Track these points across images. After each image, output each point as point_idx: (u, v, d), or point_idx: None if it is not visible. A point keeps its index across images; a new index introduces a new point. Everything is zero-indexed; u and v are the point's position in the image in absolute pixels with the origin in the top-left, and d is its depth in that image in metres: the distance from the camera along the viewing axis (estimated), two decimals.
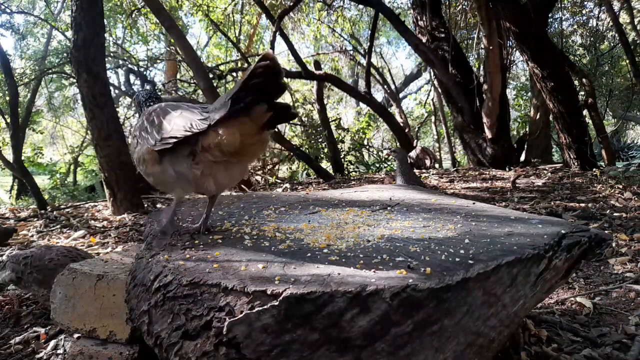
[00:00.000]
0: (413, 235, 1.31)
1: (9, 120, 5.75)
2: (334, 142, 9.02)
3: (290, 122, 11.03)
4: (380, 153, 11.27)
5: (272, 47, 8.40)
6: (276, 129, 8.79)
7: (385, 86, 12.38)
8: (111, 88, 8.00)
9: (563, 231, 1.30)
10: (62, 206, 5.28)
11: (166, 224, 1.38)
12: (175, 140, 1.20)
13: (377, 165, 10.38)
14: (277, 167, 10.49)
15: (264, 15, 9.04)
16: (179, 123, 1.22)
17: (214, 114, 1.17)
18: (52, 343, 1.84)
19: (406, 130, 10.73)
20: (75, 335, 1.51)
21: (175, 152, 1.24)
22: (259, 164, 10.80)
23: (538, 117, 8.50)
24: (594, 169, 5.64)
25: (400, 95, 14.99)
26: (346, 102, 15.30)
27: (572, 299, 2.11)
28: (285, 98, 12.54)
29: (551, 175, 5.60)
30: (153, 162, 1.29)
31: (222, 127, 1.16)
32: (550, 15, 8.08)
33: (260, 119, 1.15)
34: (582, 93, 7.64)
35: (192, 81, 9.66)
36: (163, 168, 1.28)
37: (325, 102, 9.47)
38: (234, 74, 9.82)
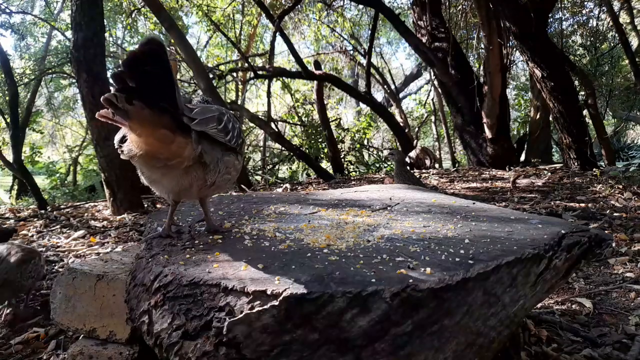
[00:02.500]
0: (413, 235, 1.31)
1: (9, 120, 5.75)
2: (334, 142, 9.02)
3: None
4: (380, 153, 11.28)
5: (272, 47, 8.42)
6: (276, 129, 8.73)
7: (385, 86, 12.39)
8: (111, 88, 8.01)
9: (563, 231, 1.30)
10: (62, 206, 5.28)
11: (164, 227, 1.41)
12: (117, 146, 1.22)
13: (377, 165, 10.39)
14: (277, 167, 10.50)
15: (264, 15, 9.04)
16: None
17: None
18: (53, 343, 1.84)
19: (406, 130, 10.73)
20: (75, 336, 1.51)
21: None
22: (259, 164, 10.81)
23: (538, 117, 8.50)
24: (594, 169, 5.64)
25: (400, 95, 14.99)
26: (346, 102, 15.30)
27: (572, 299, 2.11)
28: (286, 98, 12.57)
29: (551, 175, 5.60)
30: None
31: (127, 134, 1.15)
32: (550, 15, 8.08)
33: (143, 118, 1.03)
34: (582, 93, 7.64)
35: (192, 81, 9.67)
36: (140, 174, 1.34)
37: (325, 102, 9.47)
38: (234, 74, 9.82)
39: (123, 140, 1.19)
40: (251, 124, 10.57)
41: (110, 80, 1.01)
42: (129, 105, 0.98)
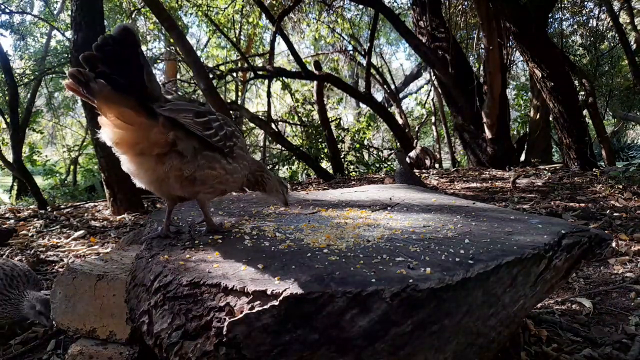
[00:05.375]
0: (413, 235, 1.31)
1: (8, 120, 5.75)
2: (334, 142, 9.02)
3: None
4: (380, 153, 11.27)
5: (272, 47, 8.41)
6: (276, 129, 8.72)
7: (385, 86, 12.38)
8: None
9: (563, 231, 1.30)
10: (62, 206, 5.28)
11: (162, 227, 1.41)
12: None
13: (377, 165, 10.38)
14: (277, 167, 10.49)
15: (264, 15, 9.04)
16: None
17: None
18: (52, 343, 1.84)
19: (406, 130, 10.73)
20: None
21: None
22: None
23: (538, 117, 8.50)
24: (594, 169, 5.64)
25: (400, 95, 15.00)
26: (346, 102, 15.30)
27: (572, 299, 2.11)
28: (286, 98, 12.56)
29: (551, 175, 5.60)
30: None
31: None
32: (550, 15, 8.09)
33: (105, 101, 1.06)
34: (582, 93, 7.64)
35: (192, 81, 9.66)
36: None
37: (325, 102, 9.47)
38: (234, 74, 9.81)
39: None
40: (251, 124, 10.57)
41: (81, 61, 1.03)
42: (93, 84, 1.01)
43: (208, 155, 1.28)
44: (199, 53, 10.53)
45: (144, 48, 11.72)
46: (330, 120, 9.51)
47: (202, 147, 1.27)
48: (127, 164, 1.26)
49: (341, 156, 9.53)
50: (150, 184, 1.30)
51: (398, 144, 9.55)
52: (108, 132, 1.16)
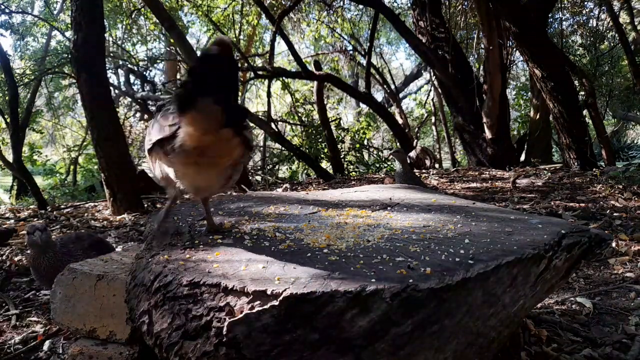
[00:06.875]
0: (413, 235, 1.30)
1: (8, 120, 5.75)
2: (334, 142, 9.02)
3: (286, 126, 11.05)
4: (380, 153, 11.27)
5: (272, 47, 8.41)
6: (276, 129, 8.74)
7: (385, 86, 12.38)
8: (111, 88, 8.01)
9: (563, 231, 1.30)
10: (62, 206, 5.28)
11: (161, 222, 1.43)
12: (152, 143, 1.23)
13: (377, 165, 10.38)
14: (277, 167, 10.49)
15: (263, 15, 9.04)
16: (156, 128, 1.26)
17: (172, 117, 1.19)
18: (51, 343, 1.84)
19: (406, 130, 10.73)
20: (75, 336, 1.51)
21: (160, 153, 1.28)
22: (259, 164, 10.81)
23: (538, 117, 8.50)
24: (594, 169, 5.64)
25: (400, 95, 14.99)
26: (346, 102, 15.30)
27: (572, 299, 2.11)
28: (286, 98, 12.56)
29: (551, 175, 5.60)
30: (152, 160, 1.34)
31: (182, 127, 1.16)
32: (550, 15, 8.09)
33: (209, 113, 1.08)
34: (582, 93, 7.64)
35: None
36: (156, 168, 1.34)
37: (325, 102, 9.46)
38: None
39: (161, 141, 1.22)
40: (251, 124, 10.55)
41: (189, 74, 1.07)
42: (203, 100, 1.05)
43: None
44: (199, 53, 10.51)
45: (144, 48, 11.74)
46: (330, 120, 9.51)
47: None
48: (184, 171, 1.27)
49: (341, 156, 9.54)
50: (198, 190, 1.34)
51: (398, 144, 9.54)
52: (191, 142, 1.16)
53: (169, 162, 1.25)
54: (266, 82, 9.59)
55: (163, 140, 1.20)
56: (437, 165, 9.15)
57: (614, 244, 2.76)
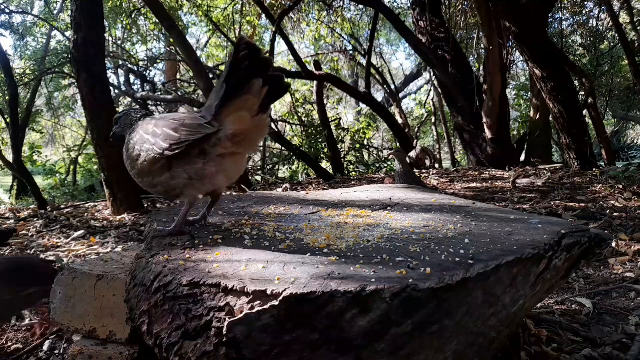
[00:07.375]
0: (413, 235, 1.30)
1: (8, 120, 5.75)
2: (334, 142, 9.01)
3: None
4: (380, 153, 11.27)
5: (272, 47, 8.40)
6: (276, 129, 8.75)
7: (385, 86, 12.38)
8: (111, 88, 8.01)
9: (563, 231, 1.30)
10: (62, 206, 5.28)
11: (179, 226, 1.36)
12: (188, 143, 1.24)
13: (377, 165, 10.38)
14: (276, 167, 10.49)
15: (264, 15, 9.04)
16: (189, 125, 1.26)
17: (212, 107, 1.22)
18: (51, 343, 1.84)
19: (406, 130, 10.73)
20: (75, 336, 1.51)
21: (187, 154, 1.27)
22: (259, 164, 10.81)
23: (538, 117, 8.49)
24: (594, 169, 5.64)
25: (400, 95, 14.98)
26: (346, 102, 15.29)
27: (572, 299, 2.11)
28: (286, 98, 12.56)
29: (551, 175, 5.60)
30: (162, 170, 1.30)
31: (228, 114, 1.22)
32: (550, 15, 8.09)
33: (259, 94, 1.19)
34: (582, 93, 7.64)
35: (192, 81, 9.66)
36: (174, 174, 1.30)
37: (325, 102, 9.46)
38: None
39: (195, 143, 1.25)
40: None
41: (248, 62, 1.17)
42: (256, 81, 1.17)
43: None
44: (199, 53, 10.53)
45: (143, 48, 11.73)
46: (330, 120, 9.50)
47: None
48: (222, 165, 1.30)
49: (341, 156, 9.53)
50: (226, 181, 1.39)
51: (398, 144, 9.54)
52: (243, 125, 1.25)
53: (205, 160, 1.27)
54: None
55: (203, 138, 1.23)
56: (437, 165, 9.15)
57: (614, 244, 2.76)
